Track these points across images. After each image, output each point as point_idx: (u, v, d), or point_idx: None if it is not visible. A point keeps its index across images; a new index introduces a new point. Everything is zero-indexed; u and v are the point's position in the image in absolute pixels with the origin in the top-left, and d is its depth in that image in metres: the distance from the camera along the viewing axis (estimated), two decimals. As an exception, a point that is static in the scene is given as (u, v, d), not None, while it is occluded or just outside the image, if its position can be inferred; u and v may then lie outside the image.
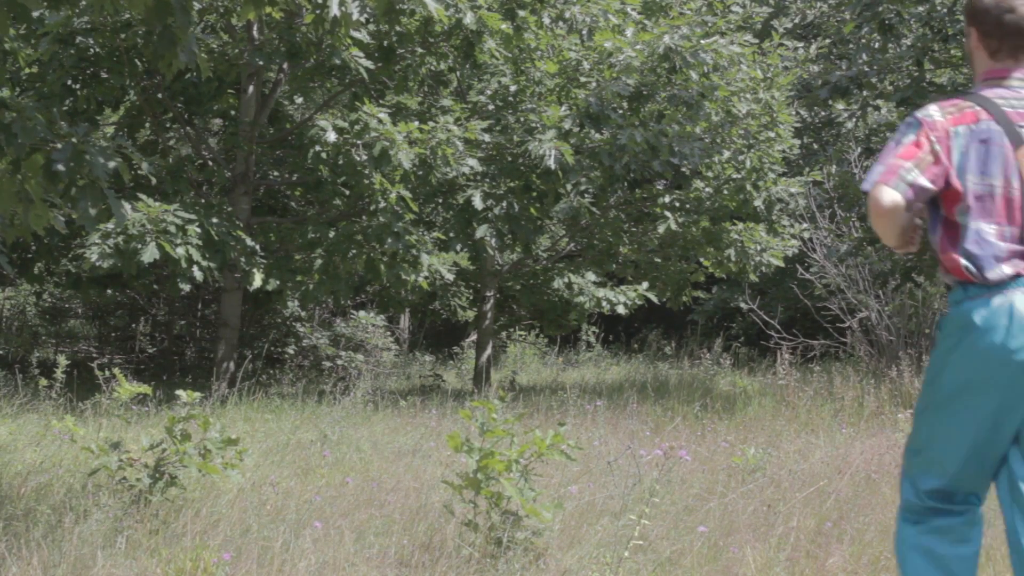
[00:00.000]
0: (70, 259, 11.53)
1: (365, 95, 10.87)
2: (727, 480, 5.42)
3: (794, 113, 14.71)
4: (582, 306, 12.27)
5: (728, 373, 12.53)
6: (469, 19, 9.40)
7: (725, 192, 11.53)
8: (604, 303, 12.18)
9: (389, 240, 9.71)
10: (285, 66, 10.37)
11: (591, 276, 12.31)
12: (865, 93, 11.15)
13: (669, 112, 10.50)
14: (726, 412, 8.55)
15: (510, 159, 10.73)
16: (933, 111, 2.61)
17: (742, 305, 16.48)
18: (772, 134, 11.71)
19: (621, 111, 10.45)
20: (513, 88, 11.04)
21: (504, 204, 10.53)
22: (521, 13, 10.20)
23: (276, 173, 11.67)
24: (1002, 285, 2.50)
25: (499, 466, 3.84)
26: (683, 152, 9.92)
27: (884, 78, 11.00)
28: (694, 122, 10.46)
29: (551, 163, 9.64)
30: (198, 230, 8.92)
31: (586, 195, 11.52)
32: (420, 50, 10.22)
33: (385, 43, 9.85)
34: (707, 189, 11.61)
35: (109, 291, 12.91)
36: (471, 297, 14.65)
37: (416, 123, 9.58)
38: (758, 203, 11.64)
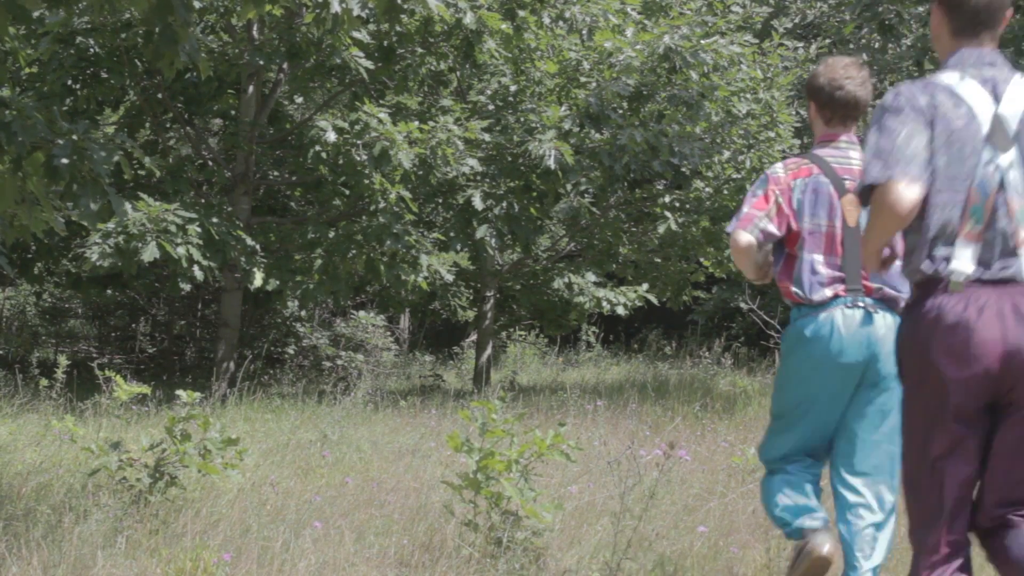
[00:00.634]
0: (70, 259, 11.53)
1: (365, 95, 10.86)
2: (727, 480, 5.42)
3: (794, 113, 14.70)
4: (582, 306, 12.27)
5: (728, 373, 12.52)
6: (469, 19, 9.39)
7: (725, 192, 11.53)
8: (604, 303, 12.18)
9: (389, 240, 9.70)
10: (285, 66, 10.36)
11: (591, 276, 12.30)
12: (865, 93, 11.14)
13: (669, 112, 10.50)
14: (726, 412, 8.55)
15: (510, 159, 10.72)
16: (778, 168, 3.33)
17: (742, 305, 16.46)
18: (772, 134, 11.71)
19: (621, 111, 10.45)
20: (513, 88, 11.03)
21: (504, 204, 10.52)
22: (521, 13, 10.19)
23: (276, 173, 11.67)
24: (825, 304, 3.19)
25: (499, 466, 3.84)
26: (683, 152, 9.92)
27: (884, 78, 10.99)
28: (694, 122, 10.46)
29: (551, 163, 9.63)
30: (198, 229, 8.92)
31: (586, 195, 11.52)
32: (420, 50, 10.21)
33: (385, 43, 9.84)
34: (707, 189, 11.61)
35: (109, 291, 12.91)
36: (471, 297, 14.65)
37: (416, 123, 9.57)
38: (758, 203, 11.62)
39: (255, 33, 10.24)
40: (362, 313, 14.71)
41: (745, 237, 3.20)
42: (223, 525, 3.99)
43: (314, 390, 10.48)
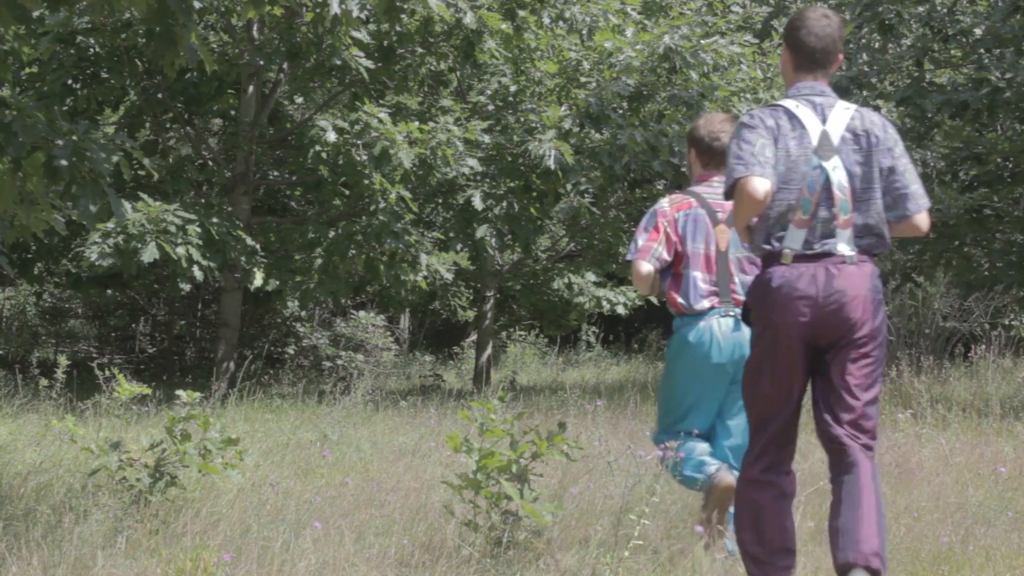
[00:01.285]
0: (70, 259, 11.53)
1: (365, 95, 10.86)
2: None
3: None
4: (582, 306, 12.27)
5: (728, 373, 12.50)
6: (469, 19, 9.39)
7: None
8: (604, 303, 12.18)
9: (389, 239, 9.70)
10: (285, 66, 10.36)
11: (591, 276, 12.30)
12: (865, 93, 11.14)
13: (669, 112, 10.50)
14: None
15: (510, 159, 10.72)
16: (664, 203, 4.06)
17: (742, 305, 16.45)
18: (772, 134, 11.70)
19: (621, 111, 10.44)
20: (513, 88, 11.03)
21: (504, 204, 10.52)
22: (521, 13, 10.19)
23: (276, 173, 11.67)
24: (704, 314, 3.91)
25: (499, 466, 3.83)
26: (683, 152, 9.92)
27: (884, 78, 11.00)
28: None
29: (551, 163, 9.63)
30: (198, 230, 8.92)
31: (586, 195, 11.51)
32: (420, 50, 10.21)
33: (385, 43, 9.84)
34: (707, 189, 11.60)
35: (109, 291, 12.92)
36: (471, 297, 14.65)
37: (416, 123, 9.58)
38: (758, 203, 11.63)
39: (255, 33, 10.24)
40: (362, 313, 14.71)
41: (646, 267, 3.95)
42: (223, 525, 3.99)
43: (314, 390, 10.48)
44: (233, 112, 11.40)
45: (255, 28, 10.23)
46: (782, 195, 3.17)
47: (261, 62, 9.68)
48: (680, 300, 3.95)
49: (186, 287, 9.19)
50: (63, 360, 7.31)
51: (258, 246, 10.00)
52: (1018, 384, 10.53)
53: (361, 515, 4.35)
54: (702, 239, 3.96)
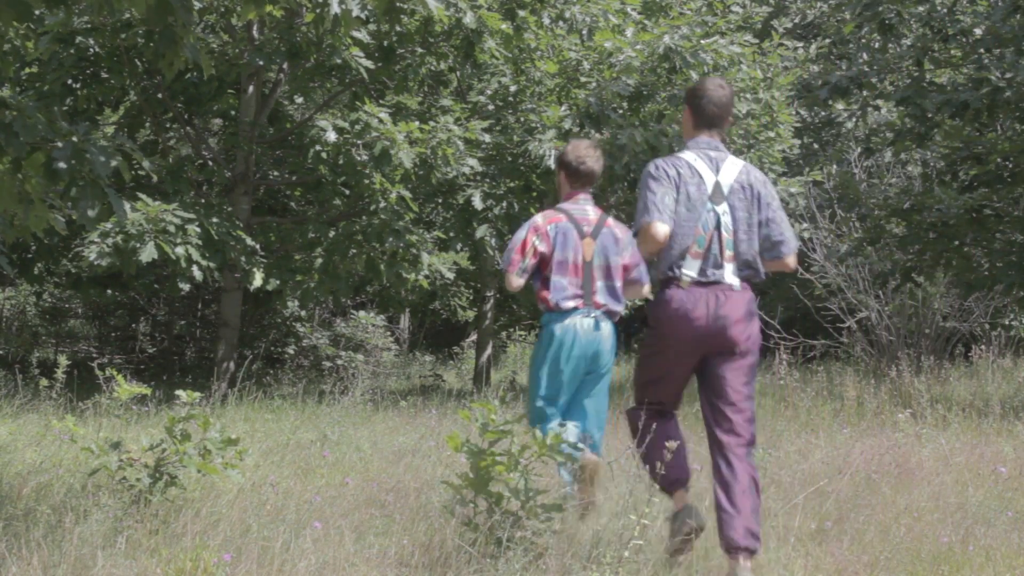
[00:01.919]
0: (70, 259, 11.53)
1: (365, 95, 10.86)
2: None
3: (794, 113, 14.70)
4: (582, 306, 12.23)
5: (728, 373, 12.49)
6: (469, 19, 9.39)
7: (725, 192, 11.51)
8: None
9: (391, 238, 9.70)
10: (285, 66, 10.36)
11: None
12: (865, 93, 11.15)
13: (669, 112, 10.50)
14: (726, 412, 8.52)
15: (510, 159, 10.72)
16: (538, 218, 4.66)
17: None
18: (772, 134, 11.71)
19: (621, 111, 10.44)
20: (513, 88, 11.03)
21: (504, 204, 10.52)
22: (521, 13, 10.19)
23: (276, 173, 11.67)
24: (569, 312, 4.53)
25: (499, 466, 3.83)
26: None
27: (884, 78, 11.00)
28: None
29: (551, 163, 9.63)
30: (197, 229, 8.91)
31: (586, 195, 11.49)
32: (420, 50, 10.21)
33: (385, 43, 9.84)
34: (707, 189, 11.60)
35: (109, 291, 12.91)
36: (471, 297, 14.65)
37: (416, 123, 9.58)
38: (758, 203, 11.62)
39: (255, 33, 10.24)
40: (362, 313, 14.72)
41: (516, 281, 4.58)
42: (223, 525, 3.99)
43: (314, 390, 10.48)
44: (233, 112, 11.40)
45: (255, 28, 10.23)
46: (684, 231, 3.86)
47: (261, 62, 9.68)
48: (550, 299, 4.56)
49: (186, 287, 9.19)
50: (63, 360, 7.31)
51: (258, 246, 9.99)
52: (1018, 384, 10.54)
53: (361, 515, 4.35)
54: (570, 249, 4.57)
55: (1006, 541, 4.36)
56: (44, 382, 7.43)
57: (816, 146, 18.33)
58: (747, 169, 3.98)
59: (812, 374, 10.89)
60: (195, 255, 8.82)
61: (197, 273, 8.94)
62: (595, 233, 4.61)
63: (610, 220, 4.74)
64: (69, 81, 10.00)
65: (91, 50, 9.70)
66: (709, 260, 3.86)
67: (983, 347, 11.30)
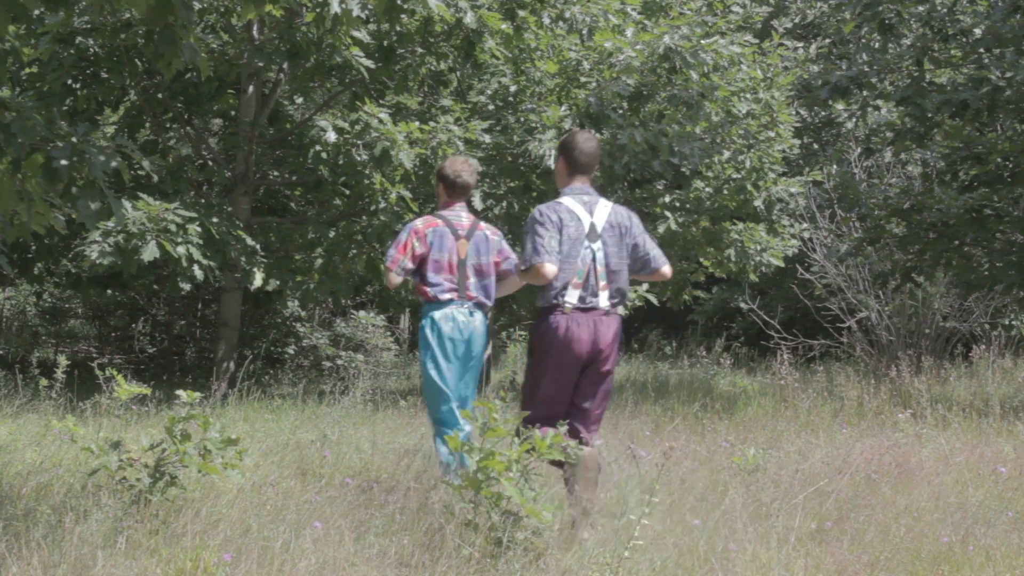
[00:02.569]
0: (70, 259, 11.52)
1: (365, 95, 10.85)
2: (727, 480, 5.42)
3: (794, 113, 14.69)
4: (582, 306, 12.21)
5: (728, 373, 12.52)
6: (469, 19, 9.38)
7: (725, 192, 11.51)
8: (604, 303, 12.13)
9: (390, 239, 9.70)
10: (285, 66, 10.35)
11: (591, 276, 12.26)
12: (865, 93, 11.14)
13: (669, 112, 10.50)
14: (726, 412, 8.55)
15: (510, 159, 10.72)
16: (418, 222, 5.28)
17: (742, 305, 16.46)
18: (772, 134, 11.71)
19: (621, 111, 10.44)
20: (513, 88, 11.02)
21: (504, 204, 10.52)
22: (521, 13, 10.18)
23: (276, 173, 11.66)
24: (446, 303, 5.17)
25: (499, 466, 3.84)
26: (683, 152, 9.92)
27: (884, 78, 10.99)
28: (694, 122, 10.45)
29: (551, 163, 9.63)
30: (198, 229, 8.91)
31: (586, 195, 11.48)
32: (420, 50, 10.20)
33: (385, 43, 9.83)
34: (707, 189, 11.60)
35: (109, 291, 12.90)
36: (471, 297, 14.60)
37: (416, 123, 9.57)
38: (758, 203, 11.63)
39: (255, 33, 10.24)
40: (362, 313, 14.71)
41: (395, 278, 5.20)
42: (223, 525, 3.99)
43: (314, 390, 10.48)
44: (233, 112, 11.39)
45: (255, 28, 10.23)
46: (567, 267, 4.58)
47: (261, 62, 9.66)
48: (430, 292, 5.18)
49: (186, 287, 9.18)
50: (63, 360, 7.31)
51: (258, 246, 9.99)
52: (1018, 384, 10.54)
53: (361, 515, 4.35)
54: (447, 250, 5.21)
55: (1006, 541, 4.36)
56: (44, 382, 7.43)
57: (816, 146, 18.33)
58: (615, 209, 4.73)
59: (812, 374, 10.90)
60: (196, 254, 8.81)
61: (198, 272, 8.93)
62: (469, 235, 5.28)
63: (482, 224, 5.39)
64: (69, 81, 9.98)
65: (91, 50, 9.69)
66: (588, 289, 4.61)
67: (983, 347, 11.30)
